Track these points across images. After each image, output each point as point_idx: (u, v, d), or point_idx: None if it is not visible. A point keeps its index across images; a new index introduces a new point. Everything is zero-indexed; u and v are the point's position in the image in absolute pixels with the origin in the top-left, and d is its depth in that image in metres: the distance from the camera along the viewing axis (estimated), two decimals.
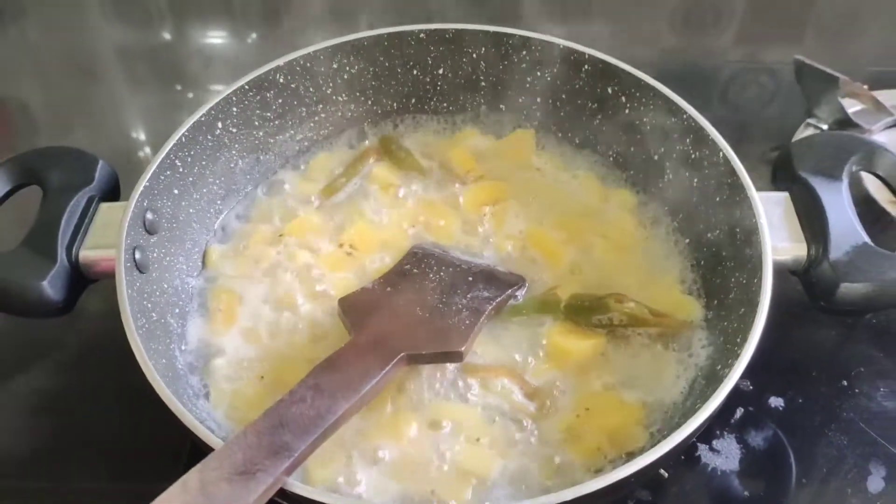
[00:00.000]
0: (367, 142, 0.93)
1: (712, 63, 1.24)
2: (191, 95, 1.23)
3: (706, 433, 0.80)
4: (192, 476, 0.53)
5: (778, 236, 0.71)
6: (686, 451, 0.79)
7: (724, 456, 0.79)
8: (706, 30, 1.29)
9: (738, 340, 0.66)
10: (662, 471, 0.74)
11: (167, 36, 1.33)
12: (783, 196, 0.75)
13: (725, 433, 0.81)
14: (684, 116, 0.80)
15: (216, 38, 1.32)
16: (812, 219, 0.72)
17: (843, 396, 0.84)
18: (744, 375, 0.81)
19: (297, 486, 0.56)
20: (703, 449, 0.79)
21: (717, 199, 0.78)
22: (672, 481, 0.77)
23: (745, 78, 1.21)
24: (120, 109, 1.21)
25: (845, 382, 0.85)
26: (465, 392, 0.71)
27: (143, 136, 1.15)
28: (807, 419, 0.82)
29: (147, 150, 1.11)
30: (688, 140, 0.81)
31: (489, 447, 0.68)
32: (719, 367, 0.69)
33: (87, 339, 0.83)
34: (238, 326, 0.77)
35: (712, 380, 0.68)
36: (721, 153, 0.76)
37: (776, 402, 0.83)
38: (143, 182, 0.74)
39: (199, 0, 1.34)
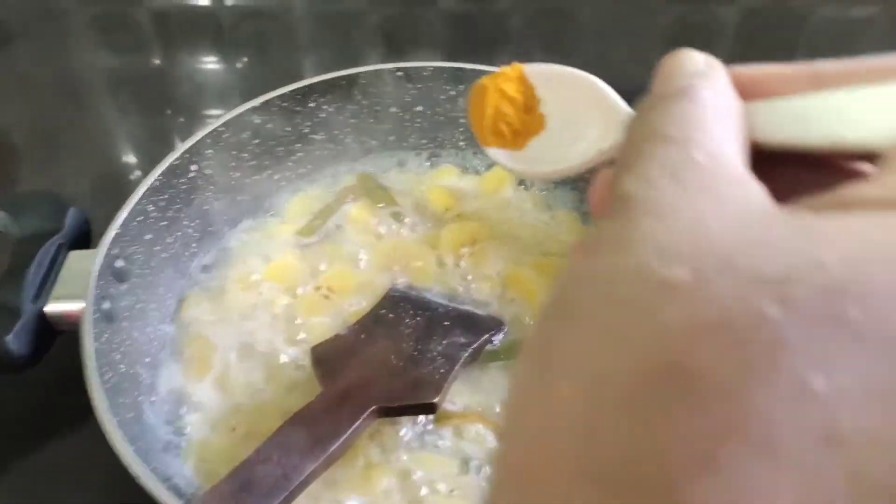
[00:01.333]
0: (345, 181, 0.92)
1: None
2: (182, 120, 1.22)
3: None
4: None
5: None
6: None
7: None
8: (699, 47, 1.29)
9: None
10: None
11: (156, 61, 1.33)
12: None
13: None
14: None
15: (206, 63, 1.31)
16: None
17: None
18: None
19: None
20: None
21: None
22: None
23: None
24: (108, 136, 1.20)
25: None
26: (438, 441, 0.70)
27: (132, 161, 1.14)
28: None
29: (138, 173, 1.09)
30: None
31: (462, 499, 0.67)
32: None
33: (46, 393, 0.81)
34: (211, 375, 0.75)
35: None
36: None
37: None
38: (114, 230, 0.73)
39: (188, 26, 1.34)
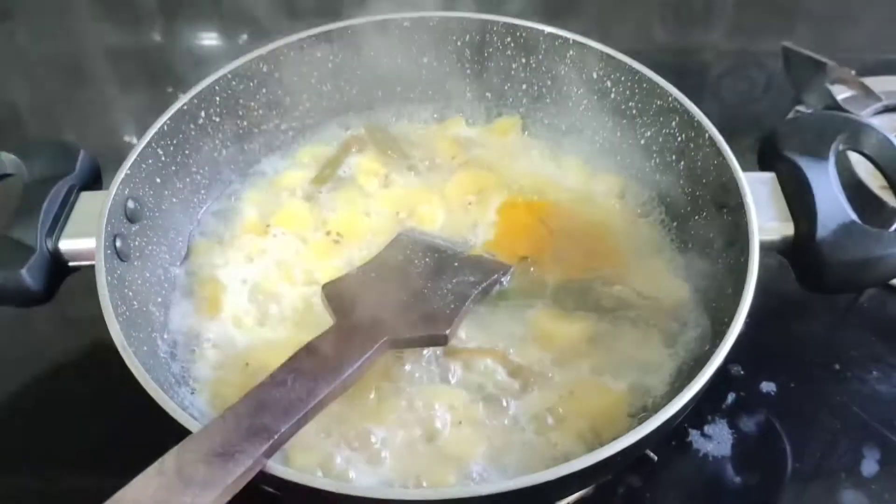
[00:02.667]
0: (352, 131, 0.92)
1: (700, 55, 1.24)
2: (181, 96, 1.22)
3: (697, 418, 0.79)
4: (169, 458, 0.52)
5: (765, 216, 0.70)
6: (677, 437, 0.78)
7: (716, 441, 0.79)
8: (695, 22, 1.29)
9: (726, 320, 0.65)
10: (651, 453, 0.74)
11: (157, 37, 1.33)
12: (769, 176, 0.74)
13: (717, 418, 0.80)
14: (670, 99, 0.80)
15: (207, 39, 1.31)
16: (799, 198, 0.72)
17: (836, 381, 0.83)
18: (735, 360, 0.83)
19: (276, 469, 0.55)
20: (694, 434, 0.79)
21: (704, 181, 0.77)
22: (662, 467, 0.77)
23: (733, 69, 1.20)
24: (108, 110, 1.21)
25: (838, 367, 0.84)
26: (448, 375, 0.71)
27: (132, 138, 1.14)
28: (799, 404, 0.82)
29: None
30: (674, 123, 0.80)
31: (472, 430, 0.68)
32: (707, 347, 0.69)
33: (66, 331, 0.82)
34: (223, 315, 0.76)
35: (701, 362, 0.67)
36: (707, 134, 0.76)
37: (768, 386, 0.83)
38: (125, 170, 0.73)
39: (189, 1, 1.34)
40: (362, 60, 0.91)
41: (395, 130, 0.92)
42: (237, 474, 0.52)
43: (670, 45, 1.25)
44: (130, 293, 0.70)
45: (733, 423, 0.80)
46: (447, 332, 0.68)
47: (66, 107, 1.19)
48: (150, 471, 0.51)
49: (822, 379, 0.84)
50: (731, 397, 0.81)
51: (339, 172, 0.88)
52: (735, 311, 0.63)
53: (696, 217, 0.79)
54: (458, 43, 0.90)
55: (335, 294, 0.71)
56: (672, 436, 0.78)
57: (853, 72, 1.03)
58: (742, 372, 0.83)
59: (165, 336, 0.74)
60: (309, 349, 0.64)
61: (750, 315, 0.64)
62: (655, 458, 0.74)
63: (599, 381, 0.71)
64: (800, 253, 0.70)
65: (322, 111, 0.92)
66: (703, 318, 0.74)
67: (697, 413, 0.79)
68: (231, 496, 0.52)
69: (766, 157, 0.76)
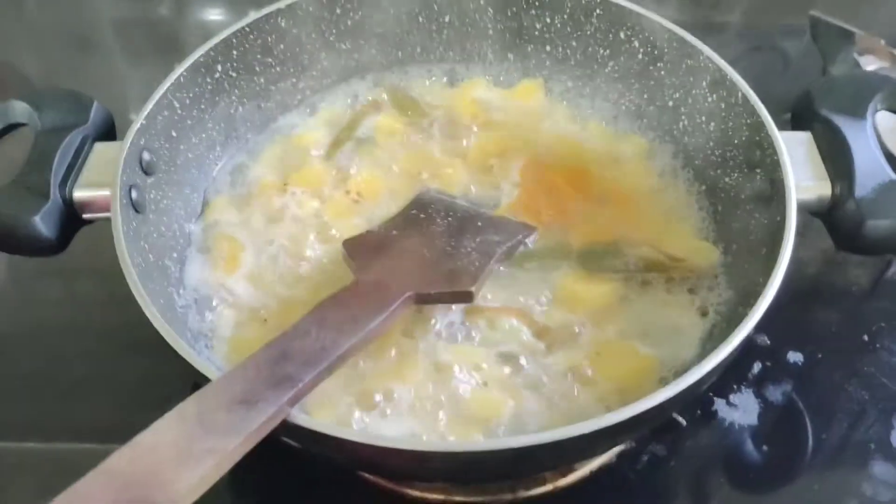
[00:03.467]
0: (371, 91, 0.90)
1: (725, 29, 1.22)
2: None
3: (722, 387, 0.78)
4: (189, 404, 0.50)
5: (801, 175, 0.68)
6: (702, 406, 0.77)
7: (742, 410, 0.77)
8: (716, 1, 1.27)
9: (761, 280, 0.63)
10: (679, 417, 0.72)
11: (166, 9, 1.30)
12: (805, 135, 0.72)
13: (743, 388, 0.79)
14: (701, 58, 0.77)
15: (215, 14, 1.28)
16: (836, 157, 0.69)
17: (864, 352, 0.82)
18: (762, 330, 0.81)
19: (300, 418, 0.53)
20: (719, 403, 0.77)
21: (736, 141, 0.75)
22: (688, 435, 0.75)
23: (759, 40, 1.18)
24: (117, 82, 1.18)
25: (866, 338, 0.83)
26: (472, 333, 0.69)
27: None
28: (826, 374, 0.80)
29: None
30: (704, 83, 0.78)
31: (497, 390, 0.65)
32: (741, 308, 0.66)
33: (80, 284, 0.80)
34: (240, 271, 0.74)
35: (733, 323, 0.65)
36: (740, 93, 0.74)
37: (795, 356, 0.81)
38: (140, 120, 0.71)
39: None
40: (382, 18, 0.88)
41: (414, 92, 0.90)
42: (260, 422, 0.50)
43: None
44: (146, 245, 0.68)
45: (759, 393, 0.78)
46: (472, 288, 0.66)
47: (73, 77, 1.16)
48: (170, 416, 0.49)
49: (849, 350, 0.82)
50: (757, 367, 0.80)
51: (358, 133, 0.85)
52: (772, 268, 0.61)
53: (727, 179, 0.76)
54: (482, 2, 0.88)
55: (357, 250, 0.69)
56: (698, 404, 0.76)
57: (882, 41, 1.01)
58: (768, 342, 0.81)
59: (181, 291, 0.72)
60: (333, 300, 0.62)
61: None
62: (684, 422, 0.72)
63: (627, 343, 0.69)
64: (837, 213, 0.68)
65: (340, 70, 0.90)
66: (734, 281, 0.72)
67: (723, 382, 0.78)
68: (253, 444, 0.50)
69: (801, 116, 0.74)
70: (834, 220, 0.69)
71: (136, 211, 0.69)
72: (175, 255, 0.73)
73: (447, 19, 0.90)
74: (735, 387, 0.78)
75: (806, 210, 0.70)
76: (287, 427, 0.53)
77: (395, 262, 0.68)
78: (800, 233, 0.64)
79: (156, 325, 0.57)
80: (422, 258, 0.69)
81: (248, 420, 0.50)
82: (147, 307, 0.58)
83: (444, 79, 0.92)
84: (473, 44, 0.91)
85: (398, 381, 0.66)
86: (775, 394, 0.78)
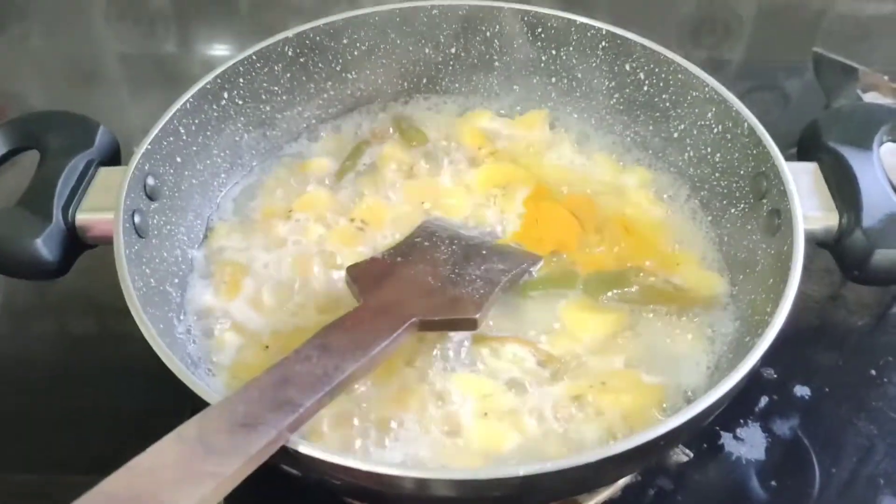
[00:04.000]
0: (376, 121, 0.90)
1: (726, 67, 1.22)
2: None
3: (729, 421, 0.77)
4: (190, 426, 0.49)
5: (808, 205, 0.68)
6: (708, 439, 0.75)
7: (749, 445, 0.76)
8: (717, 40, 1.28)
9: (769, 309, 0.62)
10: (686, 450, 0.71)
11: (171, 43, 1.31)
12: (812, 166, 0.72)
13: (749, 421, 0.78)
14: (706, 89, 0.78)
15: (220, 49, 1.30)
16: (843, 187, 0.69)
17: (871, 386, 0.81)
18: (768, 363, 0.80)
19: (301, 444, 0.52)
20: (726, 437, 0.76)
21: (742, 171, 0.75)
22: (694, 469, 0.74)
23: (760, 79, 1.19)
24: (122, 115, 1.19)
25: (873, 372, 0.82)
26: (475, 362, 0.68)
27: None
28: (834, 408, 0.79)
29: None
30: (710, 114, 0.78)
31: (499, 420, 0.64)
32: (747, 337, 0.66)
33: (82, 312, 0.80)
34: (242, 297, 0.73)
35: (740, 353, 0.64)
36: (746, 124, 0.74)
37: (802, 390, 0.80)
38: (146, 145, 0.71)
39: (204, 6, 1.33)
40: (389, 49, 0.89)
41: (420, 122, 0.90)
42: (261, 445, 0.49)
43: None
44: (148, 270, 0.68)
45: (767, 427, 0.77)
46: (477, 315, 0.65)
47: (78, 109, 1.17)
48: (170, 438, 0.48)
49: (857, 384, 0.81)
50: (764, 401, 0.79)
51: (363, 162, 0.85)
52: (780, 297, 0.61)
53: (733, 210, 0.76)
54: (488, 34, 0.89)
55: (360, 275, 0.69)
56: (704, 437, 0.75)
57: (886, 77, 1.01)
58: (775, 375, 0.80)
59: (182, 317, 0.71)
60: (335, 326, 0.61)
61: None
62: (691, 454, 0.71)
63: (633, 373, 0.68)
64: (845, 243, 0.68)
65: (346, 100, 0.90)
66: (741, 311, 0.71)
67: (730, 415, 0.77)
68: (252, 469, 0.49)
69: (808, 147, 0.74)
70: (842, 250, 0.68)
71: (139, 235, 0.68)
72: (177, 280, 0.73)
73: (453, 51, 0.90)
74: (742, 420, 0.77)
75: (813, 240, 0.69)
76: (286, 453, 0.52)
77: (399, 289, 0.67)
78: (806, 266, 0.63)
79: (155, 348, 0.57)
80: (426, 285, 0.68)
81: (248, 443, 0.49)
82: (147, 331, 0.58)
83: (450, 110, 0.92)
84: (479, 76, 0.92)
85: (400, 411, 0.65)
86: (782, 428, 0.77)
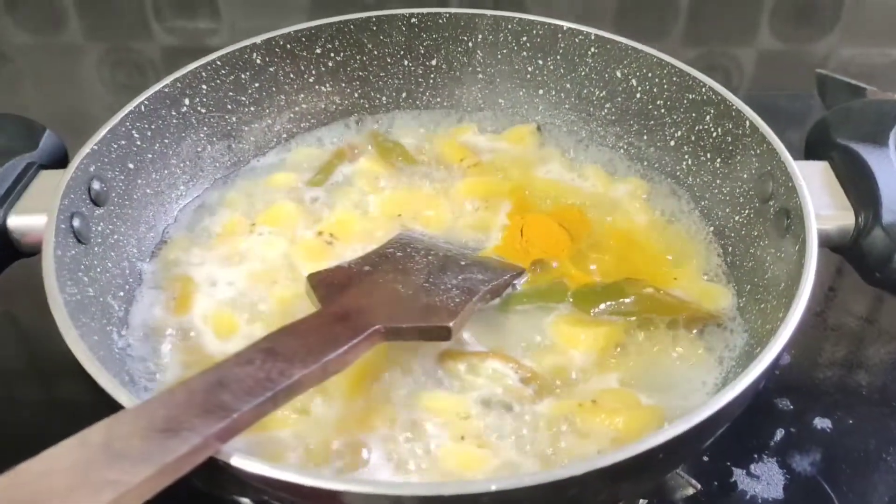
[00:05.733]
0: (352, 136, 0.84)
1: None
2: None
3: (741, 455, 0.68)
4: (96, 429, 0.42)
5: (820, 204, 0.61)
6: (719, 476, 0.67)
7: (765, 482, 0.67)
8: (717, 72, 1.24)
9: (781, 314, 0.55)
10: (692, 480, 0.62)
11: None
12: (822, 164, 0.66)
13: (765, 456, 0.69)
14: (703, 90, 0.72)
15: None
16: (858, 184, 0.63)
17: None
18: (782, 393, 0.72)
19: (233, 457, 0.44)
20: (738, 474, 0.68)
21: (745, 175, 0.69)
22: None
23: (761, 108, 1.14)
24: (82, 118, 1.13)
25: None
26: (449, 379, 0.60)
27: None
28: (860, 443, 0.71)
29: None
30: (708, 117, 0.72)
31: (476, 445, 0.56)
32: (758, 349, 0.58)
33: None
34: (193, 315, 0.66)
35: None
36: (748, 122, 0.68)
37: (822, 423, 0.72)
38: (91, 145, 0.65)
39: None
40: (365, 60, 0.84)
41: (399, 137, 0.84)
42: (180, 453, 0.41)
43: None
44: (86, 279, 0.61)
45: (784, 463, 0.69)
46: (451, 323, 0.58)
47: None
48: (69, 442, 0.41)
49: (883, 415, 0.73)
50: (779, 434, 0.70)
51: (335, 177, 0.79)
52: (793, 298, 0.53)
53: (737, 217, 0.69)
54: (470, 44, 0.84)
55: (322, 282, 0.62)
56: (714, 474, 0.67)
57: (895, 95, 0.95)
58: (791, 406, 0.72)
59: (123, 332, 0.64)
60: (286, 329, 0.54)
61: (795, 346, 0.54)
62: (698, 486, 0.62)
63: (627, 392, 0.60)
64: (863, 243, 0.61)
65: (320, 114, 0.85)
66: (750, 323, 0.64)
67: (742, 449, 0.69)
68: (169, 482, 0.41)
69: (817, 146, 0.68)
70: (860, 251, 0.61)
71: (79, 241, 0.62)
72: (122, 293, 0.66)
73: (434, 63, 0.85)
74: (756, 455, 0.69)
75: (826, 245, 0.62)
76: (216, 466, 0.44)
77: (364, 296, 0.60)
78: (825, 286, 0.56)
79: (76, 352, 0.49)
80: (395, 292, 0.61)
81: (165, 449, 0.41)
82: (67, 332, 0.51)
83: (432, 125, 0.86)
84: (462, 89, 0.86)
85: (365, 432, 0.57)
86: (802, 464, 0.69)
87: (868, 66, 1.33)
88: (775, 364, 0.51)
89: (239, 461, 0.44)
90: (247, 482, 0.44)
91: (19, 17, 1.31)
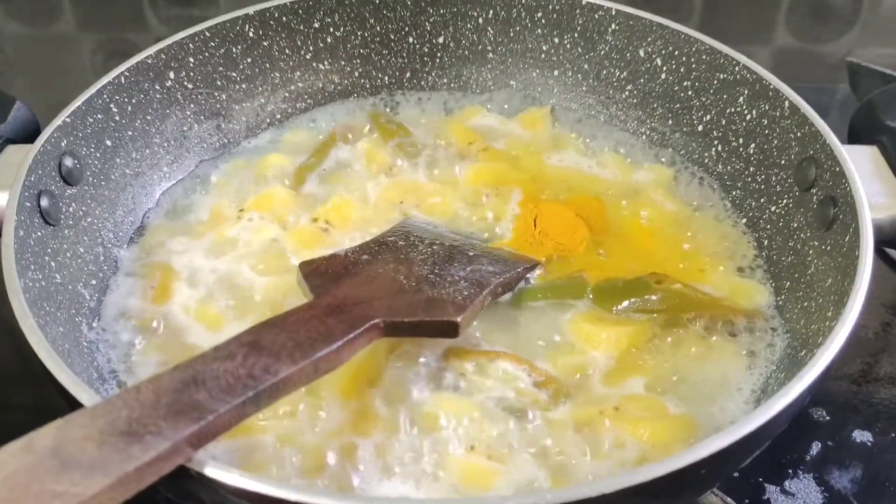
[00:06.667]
0: (351, 118, 0.78)
1: None
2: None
3: (775, 471, 0.62)
4: (45, 433, 0.36)
5: (870, 191, 0.55)
6: (751, 493, 0.61)
7: (801, 500, 0.62)
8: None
9: (830, 313, 0.49)
10: (726, 497, 0.56)
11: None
12: (869, 148, 0.60)
13: (800, 472, 0.63)
14: (737, 69, 0.66)
15: None
16: None
17: None
18: (817, 402, 0.66)
19: (207, 466, 0.37)
20: (772, 490, 0.62)
21: (783, 161, 0.62)
22: None
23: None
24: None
25: None
26: (457, 380, 0.54)
27: None
28: None
29: None
30: (741, 98, 0.66)
31: (485, 456, 0.50)
32: (803, 352, 0.52)
33: None
34: (173, 305, 0.60)
35: (793, 371, 0.50)
36: (787, 102, 0.62)
37: (862, 436, 0.65)
38: (63, 116, 0.59)
39: None
40: (367, 36, 0.77)
41: (402, 120, 0.78)
42: (142, 461, 0.35)
43: None
44: (53, 263, 0.55)
45: (822, 479, 0.62)
46: (459, 318, 0.52)
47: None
48: (11, 447, 0.35)
49: None
50: (816, 447, 0.64)
51: (331, 159, 0.73)
52: (847, 296, 0.47)
53: (773, 207, 0.63)
54: (480, 20, 0.77)
55: (315, 271, 0.55)
56: (745, 490, 0.61)
57: None
58: (827, 417, 0.66)
59: (94, 324, 0.58)
60: (272, 322, 0.47)
61: None
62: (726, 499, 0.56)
63: (654, 398, 0.54)
64: None
65: (317, 94, 0.78)
66: (791, 324, 0.57)
67: (775, 464, 0.62)
68: (131, 494, 0.35)
69: (863, 130, 0.62)
70: None
71: (46, 222, 0.56)
72: (94, 281, 0.60)
73: (440, 41, 0.79)
74: (790, 471, 0.63)
75: (878, 237, 0.56)
76: (187, 476, 0.37)
77: (361, 287, 0.53)
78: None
79: (29, 339, 0.43)
80: (396, 284, 0.55)
81: (125, 456, 0.35)
82: (23, 320, 0.44)
83: (437, 108, 0.80)
84: (471, 69, 0.80)
85: (357, 438, 0.50)
86: (841, 480, 0.63)
87: (888, 66, 1.28)
88: (830, 368, 0.45)
89: (214, 471, 0.37)
90: (223, 496, 0.38)
91: (11, 8, 1.25)
